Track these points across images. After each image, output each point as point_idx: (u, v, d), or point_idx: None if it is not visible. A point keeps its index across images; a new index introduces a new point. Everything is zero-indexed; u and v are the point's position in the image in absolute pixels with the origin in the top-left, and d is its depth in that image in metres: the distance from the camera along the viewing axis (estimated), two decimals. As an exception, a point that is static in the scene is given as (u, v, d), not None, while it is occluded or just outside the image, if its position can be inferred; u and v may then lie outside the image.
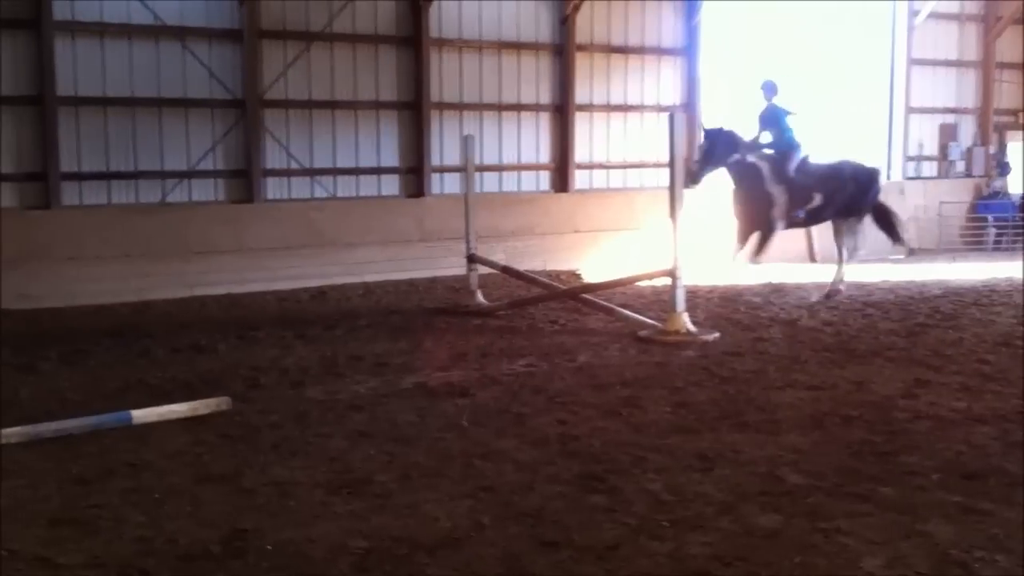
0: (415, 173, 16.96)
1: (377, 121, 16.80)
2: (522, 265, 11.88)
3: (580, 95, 18.30)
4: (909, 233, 13.70)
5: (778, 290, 13.08)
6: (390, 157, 16.88)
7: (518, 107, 17.83)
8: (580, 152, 18.31)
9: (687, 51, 19.27)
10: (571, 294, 11.43)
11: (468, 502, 5.45)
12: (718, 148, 12.00)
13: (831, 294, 12.37)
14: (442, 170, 16.91)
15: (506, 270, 11.72)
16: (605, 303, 10.88)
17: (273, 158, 15.83)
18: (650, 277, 11.00)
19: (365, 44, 16.56)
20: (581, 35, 18.20)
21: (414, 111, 16.90)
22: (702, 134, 12.33)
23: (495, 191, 16.72)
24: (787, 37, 19.65)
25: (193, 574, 4.62)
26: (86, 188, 14.65)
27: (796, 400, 7.53)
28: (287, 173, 15.97)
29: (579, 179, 18.32)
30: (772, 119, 12.36)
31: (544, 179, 18.22)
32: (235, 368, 8.57)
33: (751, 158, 12.09)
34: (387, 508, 5.36)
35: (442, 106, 17.17)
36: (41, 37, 14.18)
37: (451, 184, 16.35)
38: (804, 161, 12.36)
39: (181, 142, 15.26)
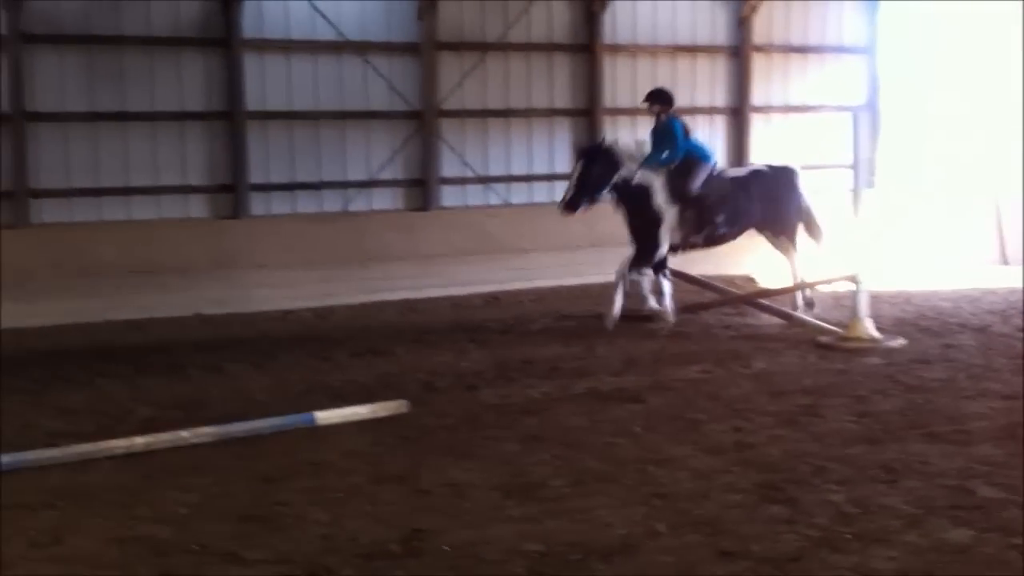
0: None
1: (551, 128, 16.91)
2: (695, 269, 11.69)
3: (757, 97, 17.96)
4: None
5: (968, 295, 12.49)
6: (563, 163, 16.96)
7: (692, 110, 17.63)
8: (756, 155, 17.96)
9: (869, 50, 18.66)
10: (746, 299, 11.20)
11: (642, 509, 5.39)
12: (596, 169, 10.24)
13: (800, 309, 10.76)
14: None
15: (679, 274, 11.57)
16: (782, 308, 10.62)
17: (449, 166, 16.13)
18: (830, 282, 10.68)
19: (539, 52, 16.71)
20: (759, 36, 17.88)
21: (587, 117, 16.93)
22: (575, 153, 10.61)
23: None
24: (975, 33, 18.77)
25: (374, 572, 4.73)
26: (273, 198, 15.24)
27: (988, 410, 7.17)
28: (462, 181, 16.25)
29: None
30: (665, 135, 10.58)
31: (719, 183, 17.94)
32: (412, 372, 8.74)
33: (639, 178, 10.35)
34: (561, 512, 5.36)
35: (615, 111, 17.13)
36: (231, 55, 14.85)
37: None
38: (714, 175, 10.70)
39: (362, 153, 15.72)
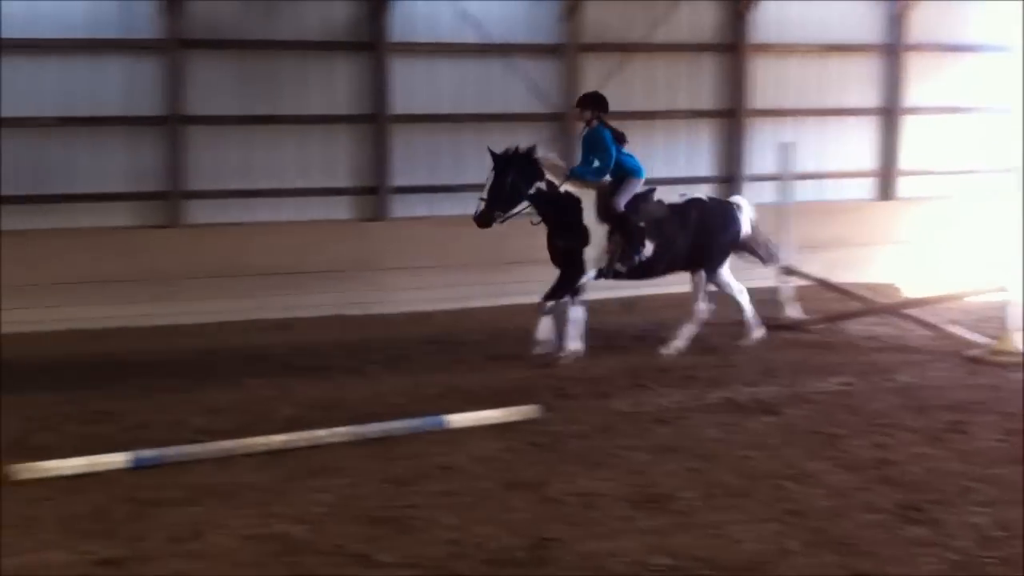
0: (728, 182, 16.73)
1: (694, 130, 16.71)
2: (839, 277, 11.39)
3: (910, 97, 17.37)
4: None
5: None
6: (703, 166, 16.75)
7: (840, 111, 17.17)
8: (907, 157, 17.38)
9: (1033, 47, 17.82)
10: (892, 309, 10.85)
11: (775, 525, 5.31)
12: (512, 176, 9.39)
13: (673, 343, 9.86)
14: (757, 179, 16.56)
15: (822, 282, 11.29)
16: (930, 319, 10.26)
17: (589, 169, 16.08)
18: (982, 292, 10.26)
19: (684, 53, 16.51)
20: (914, 34, 17.26)
21: (732, 119, 16.67)
22: (490, 160, 9.52)
23: (813, 200, 16.10)
24: None
25: (499, 579, 4.77)
26: (415, 200, 15.47)
27: None
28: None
29: (905, 186, 17.39)
30: (595, 143, 9.71)
31: (866, 186, 17.43)
32: (545, 377, 8.77)
33: (566, 187, 9.52)
34: (690, 526, 5.31)
35: (761, 112, 16.82)
36: (379, 58, 15.14)
37: (766, 193, 15.93)
38: (646, 198, 9.77)
39: (504, 155, 15.79)
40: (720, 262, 10.16)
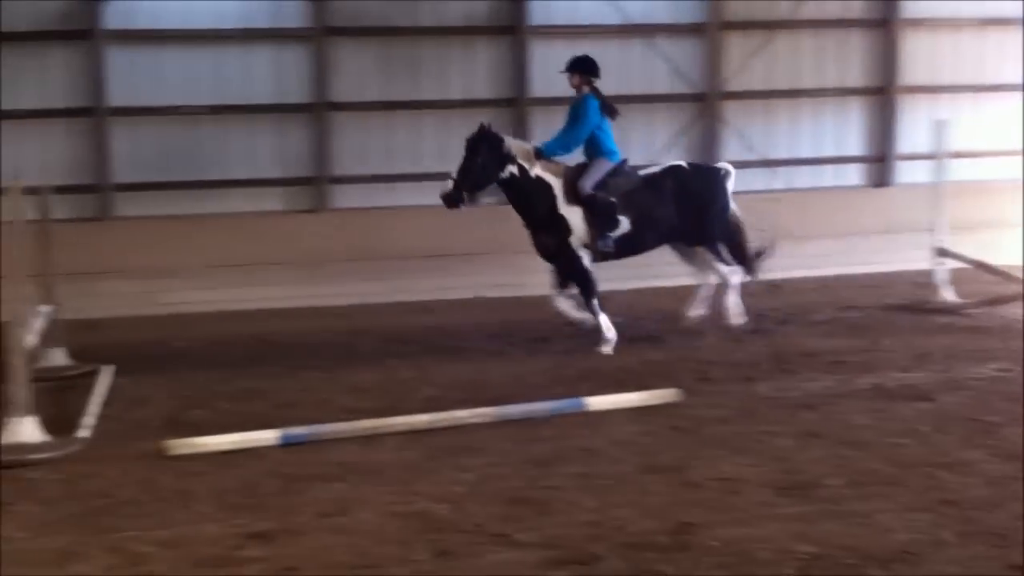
0: (879, 161, 16.24)
1: (842, 109, 16.28)
2: (996, 259, 10.91)
3: (1073, 72, 16.52)
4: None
5: None
6: (852, 146, 16.30)
7: (997, 87, 16.46)
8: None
9: None
10: (1055, 292, 10.34)
11: (927, 515, 5.14)
12: (481, 158, 8.92)
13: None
14: (909, 158, 16.02)
15: (978, 264, 10.84)
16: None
17: (733, 149, 15.81)
18: None
19: (830, 29, 16.10)
20: (1080, 5, 16.41)
21: (882, 96, 16.17)
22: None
23: (969, 179, 15.46)
24: None
25: (640, 563, 4.72)
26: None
27: None
28: (746, 165, 15.86)
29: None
30: (578, 113, 9.23)
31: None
32: (685, 360, 8.65)
33: (537, 171, 9.06)
34: (836, 514, 5.19)
35: (912, 89, 16.27)
36: (518, 42, 15.20)
37: (919, 173, 15.39)
38: (619, 172, 9.22)
39: (644, 137, 15.66)
40: (719, 232, 9.62)
